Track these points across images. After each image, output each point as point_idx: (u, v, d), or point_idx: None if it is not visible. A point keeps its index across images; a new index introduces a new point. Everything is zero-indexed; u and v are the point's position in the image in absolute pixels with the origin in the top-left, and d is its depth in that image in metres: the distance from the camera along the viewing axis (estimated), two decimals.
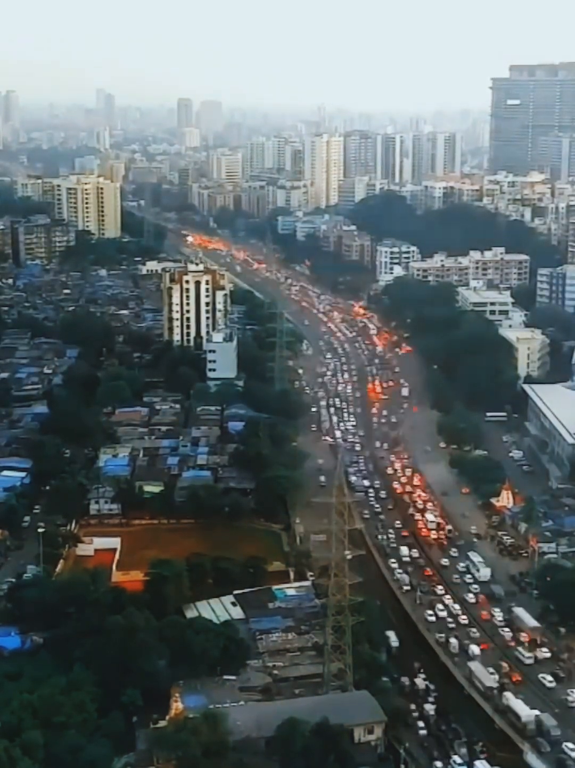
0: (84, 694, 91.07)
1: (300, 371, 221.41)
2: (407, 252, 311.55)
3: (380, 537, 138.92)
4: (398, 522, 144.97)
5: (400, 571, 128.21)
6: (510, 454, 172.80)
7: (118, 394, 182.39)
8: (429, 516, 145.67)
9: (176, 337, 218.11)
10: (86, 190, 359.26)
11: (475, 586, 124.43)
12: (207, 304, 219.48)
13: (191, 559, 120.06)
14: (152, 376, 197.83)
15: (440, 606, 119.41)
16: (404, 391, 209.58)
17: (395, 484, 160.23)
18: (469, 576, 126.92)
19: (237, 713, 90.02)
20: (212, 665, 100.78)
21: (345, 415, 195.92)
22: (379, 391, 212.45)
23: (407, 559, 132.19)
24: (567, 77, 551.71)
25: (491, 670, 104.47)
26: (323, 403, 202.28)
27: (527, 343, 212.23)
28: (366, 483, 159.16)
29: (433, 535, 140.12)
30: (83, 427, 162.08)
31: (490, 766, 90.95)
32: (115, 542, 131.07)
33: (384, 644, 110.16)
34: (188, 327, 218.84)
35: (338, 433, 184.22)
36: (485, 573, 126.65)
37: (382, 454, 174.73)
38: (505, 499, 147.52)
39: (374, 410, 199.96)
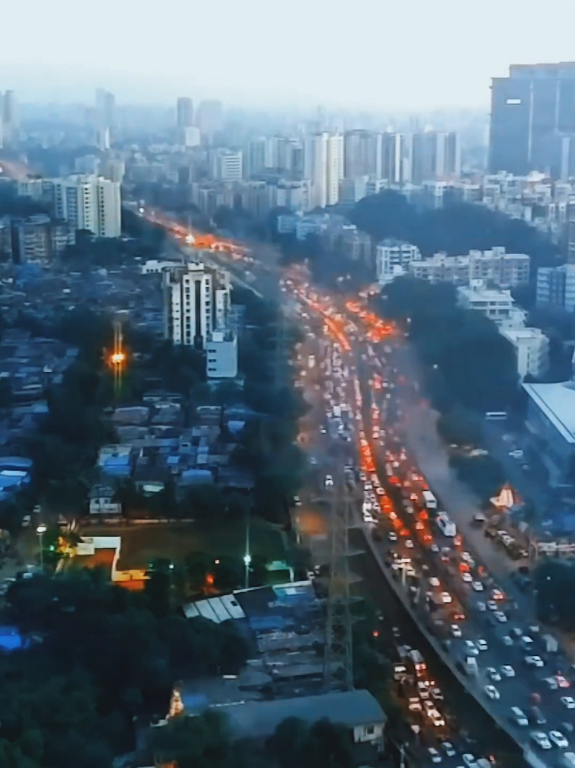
0: (84, 693, 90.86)
1: (299, 370, 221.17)
2: (408, 251, 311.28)
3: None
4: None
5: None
6: (510, 454, 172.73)
7: (119, 393, 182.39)
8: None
9: (176, 337, 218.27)
10: (86, 189, 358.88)
11: None
12: (207, 303, 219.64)
13: (191, 559, 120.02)
14: (152, 375, 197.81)
15: None
16: (404, 391, 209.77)
17: (395, 483, 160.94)
18: None
19: (237, 713, 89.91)
20: (212, 665, 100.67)
21: (345, 414, 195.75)
22: (379, 390, 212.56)
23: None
24: (567, 77, 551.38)
25: None
26: (322, 402, 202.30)
27: (527, 343, 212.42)
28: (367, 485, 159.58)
29: None
30: (83, 426, 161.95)
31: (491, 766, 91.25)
32: (115, 542, 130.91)
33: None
34: (188, 326, 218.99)
35: (337, 433, 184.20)
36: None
37: (380, 453, 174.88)
38: (505, 499, 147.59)
39: (374, 409, 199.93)
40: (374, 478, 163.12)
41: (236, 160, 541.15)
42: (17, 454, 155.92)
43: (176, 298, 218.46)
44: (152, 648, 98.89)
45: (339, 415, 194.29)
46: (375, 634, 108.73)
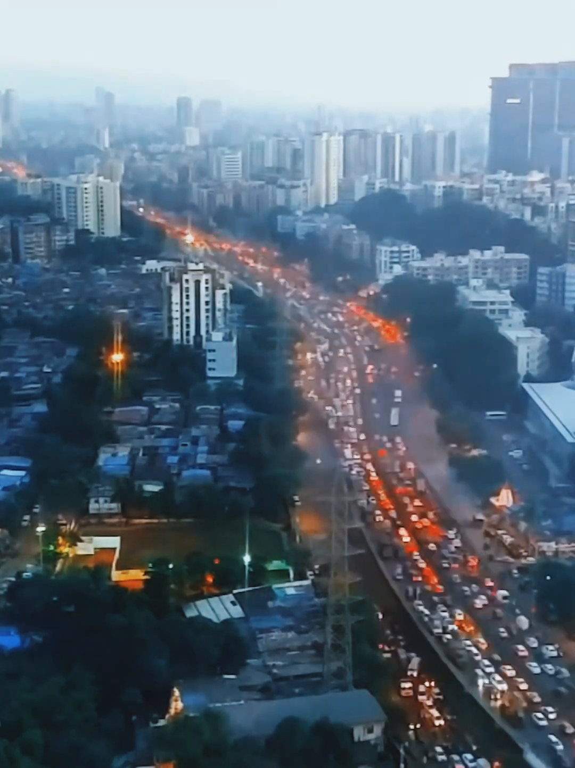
0: (84, 693, 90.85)
1: (299, 370, 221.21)
2: (407, 251, 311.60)
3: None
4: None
5: None
6: (510, 454, 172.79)
7: (118, 393, 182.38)
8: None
9: (176, 336, 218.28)
10: (86, 189, 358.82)
11: None
12: (207, 303, 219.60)
13: (191, 559, 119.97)
14: (151, 375, 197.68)
15: None
16: (404, 390, 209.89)
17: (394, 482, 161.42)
18: None
19: (237, 712, 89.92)
20: (211, 664, 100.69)
21: (343, 413, 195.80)
22: (379, 390, 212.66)
23: None
24: (567, 77, 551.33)
25: None
26: (321, 401, 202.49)
27: (527, 342, 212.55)
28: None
29: None
30: (83, 426, 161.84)
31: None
32: (114, 541, 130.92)
33: None
34: (188, 326, 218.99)
35: (336, 433, 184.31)
36: None
37: (379, 453, 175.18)
38: (505, 498, 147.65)
39: (373, 409, 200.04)
40: (373, 476, 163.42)
41: (235, 159, 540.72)
42: (17, 453, 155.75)
43: (175, 298, 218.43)
44: (152, 648, 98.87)
45: (338, 415, 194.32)
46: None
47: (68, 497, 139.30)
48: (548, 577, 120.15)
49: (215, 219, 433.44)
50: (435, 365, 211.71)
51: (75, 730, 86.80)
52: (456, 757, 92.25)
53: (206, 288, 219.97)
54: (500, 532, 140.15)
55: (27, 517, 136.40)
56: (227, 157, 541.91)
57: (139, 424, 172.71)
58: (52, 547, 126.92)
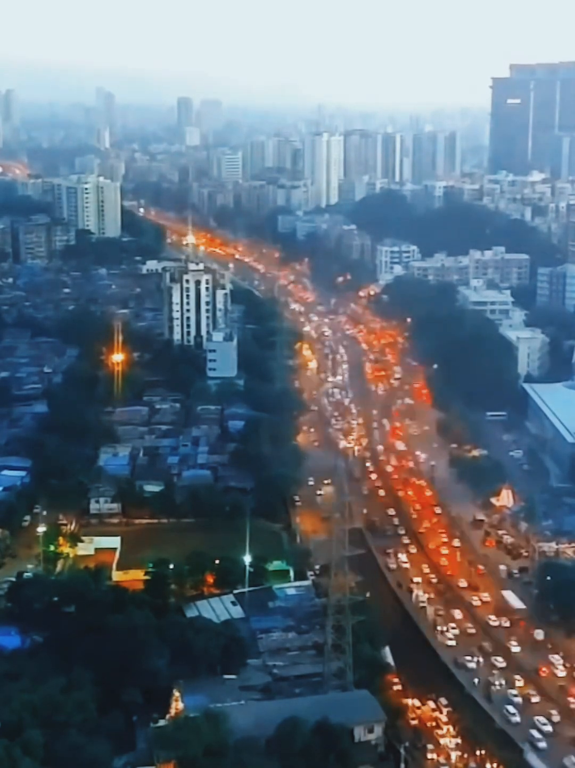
0: (84, 693, 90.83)
1: (299, 370, 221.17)
2: (408, 251, 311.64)
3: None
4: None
5: None
6: (511, 454, 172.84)
7: (119, 393, 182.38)
8: None
9: (176, 337, 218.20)
10: (86, 189, 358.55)
11: None
12: (207, 303, 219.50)
13: (191, 559, 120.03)
14: (152, 375, 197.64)
15: None
16: (404, 390, 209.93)
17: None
18: None
19: (237, 713, 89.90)
20: (212, 664, 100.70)
21: (345, 415, 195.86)
22: (379, 390, 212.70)
23: None
24: (567, 77, 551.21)
25: None
26: (321, 401, 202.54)
27: (527, 343, 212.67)
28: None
29: None
30: (83, 426, 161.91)
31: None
32: (115, 541, 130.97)
33: None
34: (188, 326, 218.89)
35: (336, 433, 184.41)
36: None
37: (381, 453, 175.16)
38: (505, 498, 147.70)
39: (374, 410, 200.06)
40: (373, 476, 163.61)
41: (236, 159, 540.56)
42: (17, 454, 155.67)
43: (176, 298, 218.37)
44: (152, 648, 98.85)
45: (338, 415, 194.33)
46: None
47: (69, 497, 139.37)
48: (548, 577, 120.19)
49: (215, 219, 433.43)
50: (435, 365, 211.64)
51: (75, 730, 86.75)
52: None
53: (207, 288, 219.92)
54: (500, 532, 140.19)
55: (27, 517, 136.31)
56: (228, 157, 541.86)
57: (140, 424, 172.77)
58: (52, 548, 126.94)
